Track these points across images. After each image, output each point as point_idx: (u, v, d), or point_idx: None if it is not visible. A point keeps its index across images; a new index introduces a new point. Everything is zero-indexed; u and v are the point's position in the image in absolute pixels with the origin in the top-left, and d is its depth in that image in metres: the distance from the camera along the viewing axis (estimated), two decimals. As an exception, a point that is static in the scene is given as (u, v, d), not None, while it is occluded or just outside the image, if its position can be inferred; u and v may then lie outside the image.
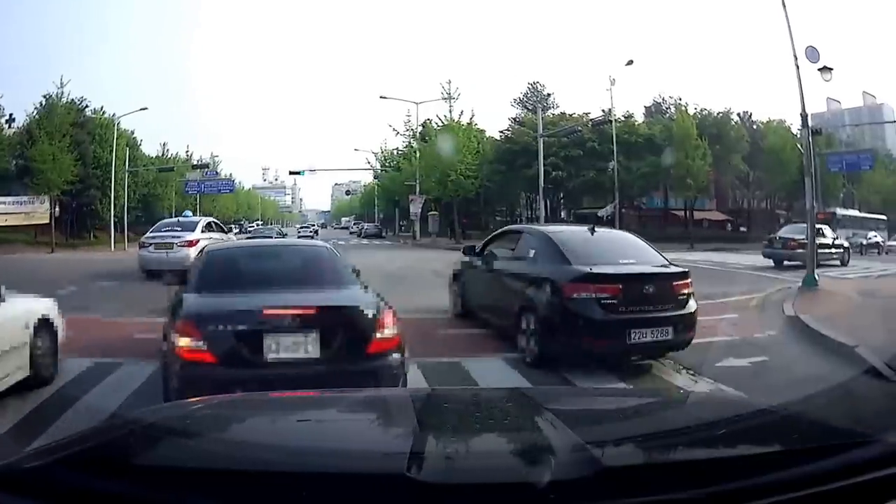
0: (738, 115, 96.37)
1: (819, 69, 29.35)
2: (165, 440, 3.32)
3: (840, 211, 77.57)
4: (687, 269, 15.36)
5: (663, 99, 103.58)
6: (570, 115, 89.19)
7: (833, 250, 46.00)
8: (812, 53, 28.01)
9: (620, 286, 13.94)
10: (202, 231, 36.13)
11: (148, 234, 36.80)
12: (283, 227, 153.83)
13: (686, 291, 14.68)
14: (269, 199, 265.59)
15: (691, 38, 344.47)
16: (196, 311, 10.24)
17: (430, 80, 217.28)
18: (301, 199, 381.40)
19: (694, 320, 14.66)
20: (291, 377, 9.03)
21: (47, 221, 71.19)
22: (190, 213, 60.57)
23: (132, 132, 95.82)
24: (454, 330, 18.32)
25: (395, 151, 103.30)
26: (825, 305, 22.00)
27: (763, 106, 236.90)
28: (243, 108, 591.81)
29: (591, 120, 76.58)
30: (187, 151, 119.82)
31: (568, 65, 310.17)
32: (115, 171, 78.86)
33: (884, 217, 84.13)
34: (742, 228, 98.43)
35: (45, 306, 13.07)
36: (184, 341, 9.57)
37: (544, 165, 70.90)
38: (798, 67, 27.33)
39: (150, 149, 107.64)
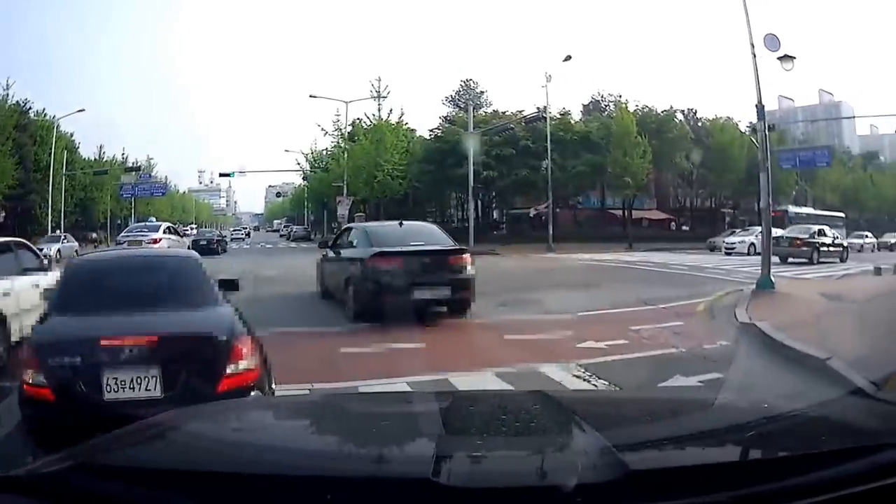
0: (683, 112, 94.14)
1: (779, 58, 26.91)
2: (185, 444, 3.25)
3: (792, 209, 76.41)
4: (464, 247, 22.00)
5: (602, 96, 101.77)
6: (504, 114, 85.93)
7: (832, 248, 50.85)
8: (772, 41, 26.29)
9: (402, 259, 19.42)
10: (164, 232, 44.64)
11: (122, 234, 48.92)
12: (219, 230, 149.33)
13: (461, 264, 20.18)
14: (203, 203, 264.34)
15: (634, 34, 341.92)
16: (39, 338, 9.11)
17: (363, 79, 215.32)
18: (236, 202, 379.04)
19: (469, 284, 20.09)
20: (133, 421, 6.53)
21: None
22: (154, 219, 72.31)
23: (71, 135, 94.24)
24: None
25: (324, 152, 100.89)
26: (784, 311, 19.62)
27: (709, 104, 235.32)
28: (180, 110, 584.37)
29: (524, 117, 74.33)
30: (123, 154, 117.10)
31: (504, 62, 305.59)
32: (54, 175, 77.30)
33: (841, 215, 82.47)
34: (684, 228, 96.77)
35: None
36: (27, 374, 8.43)
37: (475, 165, 69.24)
38: (755, 56, 25.72)
39: (87, 151, 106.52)
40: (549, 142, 69.24)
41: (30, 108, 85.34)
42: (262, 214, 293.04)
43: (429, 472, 2.50)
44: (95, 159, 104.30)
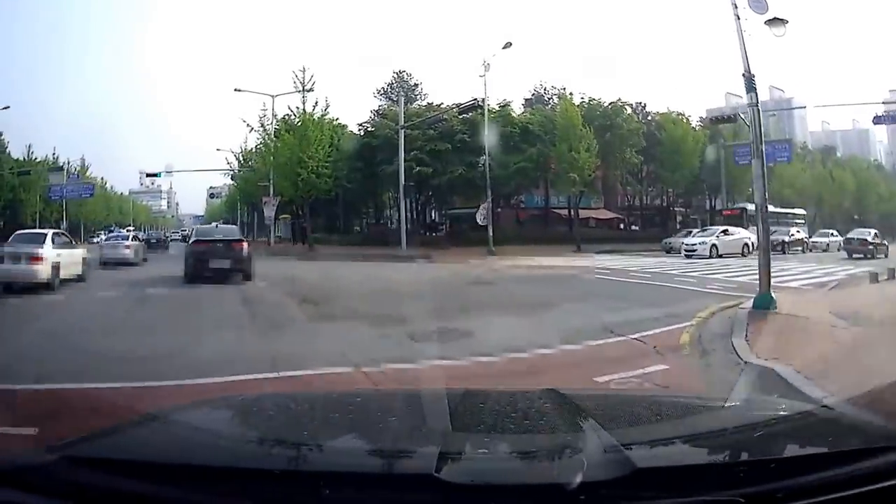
0: (631, 106, 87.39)
1: (767, 21, 21.57)
2: (187, 438, 3.33)
3: (750, 206, 70.09)
4: (241, 238, 36.01)
5: (545, 89, 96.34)
6: (439, 106, 78.40)
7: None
8: (757, 2, 21.45)
9: (205, 245, 33.12)
10: (133, 240, 53.32)
11: (103, 240, 59.27)
12: (164, 231, 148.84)
13: (239, 248, 33.17)
14: (142, 205, 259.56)
15: (577, 24, 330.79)
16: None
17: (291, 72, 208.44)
18: (177, 204, 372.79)
19: (244, 260, 32.37)
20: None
21: None
22: (121, 230, 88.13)
23: (1, 133, 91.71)
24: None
25: (254, 150, 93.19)
26: (798, 342, 14.65)
27: (657, 100, 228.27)
28: (120, 110, 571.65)
29: (457, 106, 67.30)
30: (54, 154, 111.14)
31: (440, 53, 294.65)
32: None
33: (802, 211, 78.84)
34: (634, 228, 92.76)
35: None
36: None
37: (408, 161, 64.38)
38: (738, 18, 21.20)
39: (17, 152, 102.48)
40: (486, 135, 63.45)
41: None
42: (203, 216, 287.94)
43: (433, 468, 2.54)
44: (24, 159, 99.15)
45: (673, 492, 2.52)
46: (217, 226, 53.83)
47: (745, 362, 12.85)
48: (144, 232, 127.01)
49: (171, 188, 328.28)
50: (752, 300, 19.92)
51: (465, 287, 30.20)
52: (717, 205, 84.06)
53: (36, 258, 28.39)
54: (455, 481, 2.48)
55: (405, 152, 63.48)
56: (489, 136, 63.82)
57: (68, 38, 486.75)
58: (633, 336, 15.93)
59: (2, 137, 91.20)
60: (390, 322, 17.87)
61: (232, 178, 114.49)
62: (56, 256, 29.57)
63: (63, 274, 29.70)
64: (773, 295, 19.46)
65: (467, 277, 34.75)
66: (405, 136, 63.77)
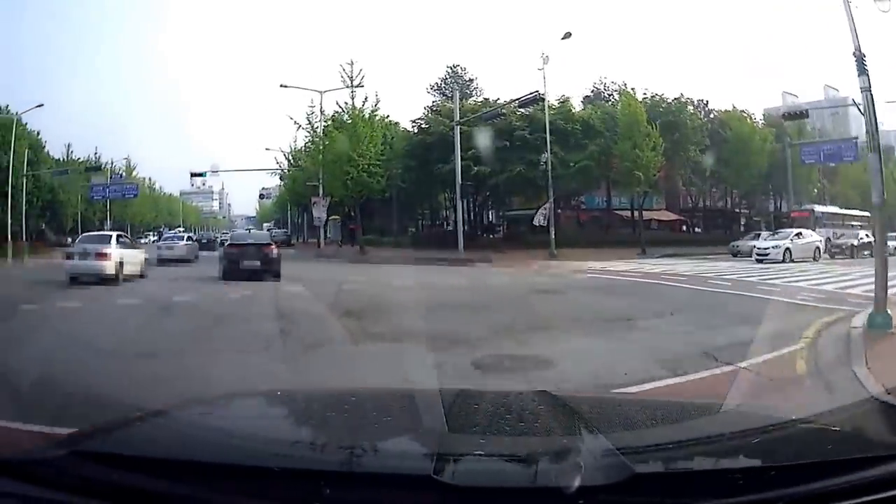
0: (692, 103, 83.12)
1: None
2: (183, 434, 3.40)
3: (819, 208, 68.44)
4: (269, 242, 39.67)
5: (605, 85, 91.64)
6: (495, 102, 74.53)
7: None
8: None
9: (238, 246, 36.62)
10: (186, 240, 59.58)
11: (158, 241, 66.67)
12: (214, 233, 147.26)
13: (268, 250, 36.38)
14: (191, 205, 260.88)
15: (635, 18, 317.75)
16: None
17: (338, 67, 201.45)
18: (229, 205, 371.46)
19: (274, 260, 35.86)
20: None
21: None
22: (171, 230, 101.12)
23: (38, 133, 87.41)
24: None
25: (303, 149, 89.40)
26: None
27: (719, 97, 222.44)
28: (170, 111, 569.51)
29: (517, 100, 62.56)
30: (96, 154, 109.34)
31: (495, 47, 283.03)
32: (11, 175, 71.56)
33: (867, 214, 73.63)
34: (697, 230, 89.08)
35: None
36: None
37: (465, 160, 61.39)
38: None
39: (57, 151, 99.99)
40: (547, 131, 60.31)
41: None
42: (254, 217, 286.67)
43: (431, 470, 2.60)
44: (63, 159, 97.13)
45: (670, 498, 2.57)
46: (250, 231, 64.70)
47: (878, 399, 10.34)
48: (195, 233, 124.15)
49: (222, 189, 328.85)
50: (858, 316, 17.76)
51: (531, 297, 27.32)
52: (782, 206, 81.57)
53: (104, 256, 33.89)
54: (454, 483, 2.53)
55: (462, 150, 60.55)
56: (550, 133, 60.61)
57: (112, 35, 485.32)
58: (742, 364, 13.20)
59: (39, 137, 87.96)
60: (449, 344, 15.59)
61: (281, 179, 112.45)
62: (120, 255, 35.12)
63: (127, 270, 35.26)
64: (889, 312, 16.84)
65: (532, 285, 32.03)
66: (461, 134, 60.87)
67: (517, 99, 61.81)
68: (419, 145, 73.35)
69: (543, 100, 60.09)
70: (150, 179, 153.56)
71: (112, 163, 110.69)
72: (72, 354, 14.81)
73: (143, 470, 2.65)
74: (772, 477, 2.69)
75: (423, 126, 77.43)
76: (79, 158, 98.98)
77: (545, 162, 61.49)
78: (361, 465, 2.94)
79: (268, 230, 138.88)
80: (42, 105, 77.70)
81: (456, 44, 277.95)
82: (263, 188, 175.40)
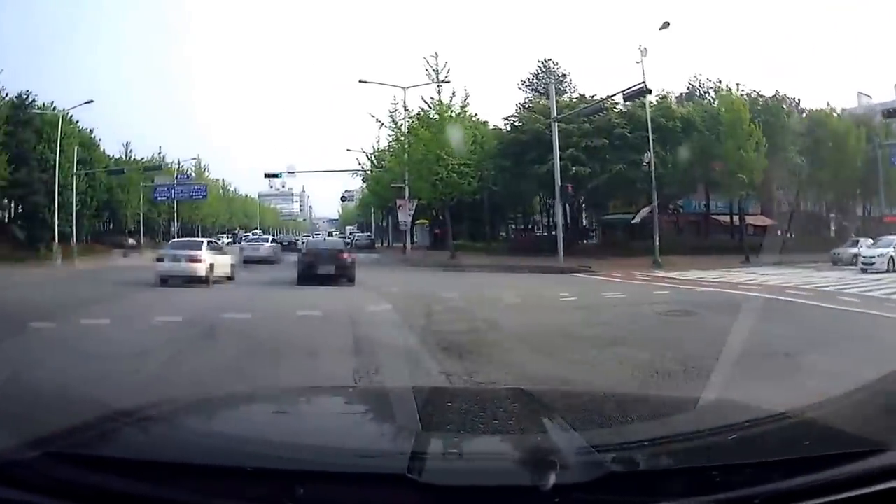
0: (787, 101, 79.67)
1: None
2: (156, 435, 3.48)
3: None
4: (343, 249, 42.72)
5: (700, 82, 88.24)
6: (591, 99, 68.70)
7: None
8: None
9: (313, 254, 39.64)
10: (270, 242, 67.73)
11: (243, 243, 71.30)
12: (296, 235, 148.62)
13: (342, 257, 38.68)
14: (269, 207, 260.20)
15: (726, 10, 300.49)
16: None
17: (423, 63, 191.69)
18: (311, 207, 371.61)
19: (347, 265, 37.81)
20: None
21: None
22: (247, 233, 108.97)
23: (91, 131, 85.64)
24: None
25: (387, 149, 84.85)
26: None
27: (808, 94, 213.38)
28: (247, 110, 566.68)
29: (622, 92, 55.50)
30: (159, 153, 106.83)
31: (587, 40, 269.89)
32: (62, 174, 70.03)
33: None
34: (789, 235, 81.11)
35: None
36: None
37: (562, 160, 56.51)
38: None
39: (113, 150, 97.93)
40: (650, 128, 55.78)
41: (32, 101, 75.48)
42: (336, 220, 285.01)
43: (405, 469, 2.63)
44: (121, 158, 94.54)
45: (645, 496, 2.60)
46: (325, 238, 69.36)
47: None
48: (272, 235, 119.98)
49: (303, 191, 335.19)
50: None
51: (662, 322, 22.47)
52: (871, 211, 78.54)
53: (195, 259, 36.83)
54: (428, 482, 2.56)
55: (559, 149, 55.87)
56: (651, 131, 56.08)
57: (184, 31, 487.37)
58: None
59: (92, 134, 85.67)
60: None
61: (363, 180, 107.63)
62: (211, 260, 37.90)
63: (217, 273, 38.15)
64: None
65: (652, 302, 27.31)
66: (558, 132, 56.17)
67: (622, 91, 54.97)
68: (513, 144, 68.08)
69: (650, 92, 55.32)
70: (223, 181, 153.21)
71: (179, 163, 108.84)
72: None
73: (116, 471, 2.69)
74: (748, 474, 2.71)
75: (515, 124, 72.36)
76: (142, 158, 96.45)
77: (648, 162, 56.60)
78: (336, 464, 2.84)
79: (350, 234, 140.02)
80: (91, 101, 73.73)
81: (545, 37, 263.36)
82: (346, 191, 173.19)
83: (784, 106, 76.27)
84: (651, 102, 61.69)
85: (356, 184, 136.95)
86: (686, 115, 68.56)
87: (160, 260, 37.78)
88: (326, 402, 4.71)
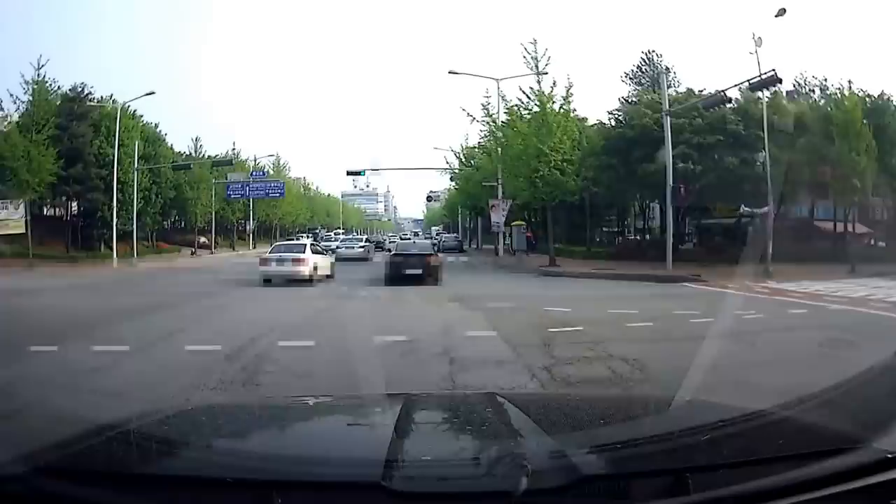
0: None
1: None
2: (140, 448, 3.51)
3: None
4: (432, 252, 44.00)
5: (805, 80, 78.33)
6: (700, 93, 62.21)
7: None
8: None
9: (402, 255, 42.09)
10: (364, 242, 77.45)
11: (340, 243, 79.06)
12: (382, 235, 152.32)
13: (429, 259, 41.05)
14: (353, 207, 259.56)
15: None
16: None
17: (517, 57, 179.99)
18: (395, 207, 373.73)
19: (434, 267, 40.24)
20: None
21: (22, 230, 61.25)
22: (340, 231, 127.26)
23: (156, 125, 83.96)
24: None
25: (477, 146, 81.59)
26: None
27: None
28: (329, 110, 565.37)
29: (749, 81, 47.88)
30: (233, 149, 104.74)
31: (692, 29, 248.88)
32: (117, 169, 67.04)
33: None
34: (881, 244, 76.46)
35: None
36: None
37: (672, 157, 51.50)
38: None
39: (185, 147, 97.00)
40: (766, 124, 50.25)
41: (87, 94, 73.69)
42: (421, 220, 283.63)
43: (379, 476, 2.70)
44: (190, 154, 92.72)
45: (618, 499, 2.71)
46: (414, 241, 64.20)
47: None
48: (354, 234, 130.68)
49: (387, 191, 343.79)
50: None
51: (831, 356, 16.79)
52: None
53: (300, 261, 40.01)
54: (402, 489, 2.63)
55: (670, 145, 50.86)
56: (763, 129, 50.69)
57: (267, 26, 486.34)
58: None
59: (157, 129, 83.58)
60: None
61: (451, 179, 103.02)
62: (313, 260, 41.08)
63: (319, 273, 41.30)
64: None
65: (799, 326, 22.90)
66: (670, 123, 51.11)
67: (748, 80, 48.13)
68: (618, 140, 61.92)
69: (781, 81, 48.20)
70: (304, 179, 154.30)
71: (255, 160, 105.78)
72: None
73: (103, 484, 2.78)
74: (722, 474, 2.79)
75: (620, 118, 66.90)
76: (215, 155, 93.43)
77: (762, 161, 51.89)
78: (313, 473, 2.95)
79: (436, 234, 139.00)
80: (153, 93, 70.86)
81: (645, 26, 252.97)
82: (431, 191, 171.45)
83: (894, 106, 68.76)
84: (759, 98, 55.39)
85: (442, 184, 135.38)
86: (797, 113, 61.46)
87: (265, 262, 40.89)
88: (306, 412, 4.68)
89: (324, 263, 43.62)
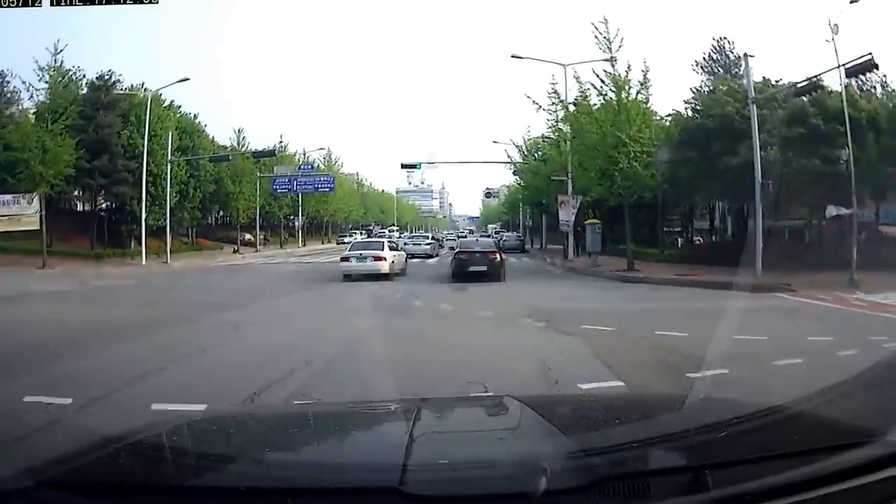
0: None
1: None
2: (149, 458, 3.37)
3: None
4: (495, 249, 44.13)
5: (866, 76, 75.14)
6: (777, 83, 57.41)
7: None
8: None
9: (466, 254, 42.60)
10: (430, 239, 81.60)
11: (408, 239, 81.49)
12: (439, 233, 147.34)
13: (492, 256, 41.67)
14: (407, 203, 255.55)
15: None
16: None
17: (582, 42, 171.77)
18: (450, 204, 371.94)
19: (497, 266, 40.86)
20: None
21: (36, 226, 57.33)
22: (395, 228, 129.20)
23: (195, 116, 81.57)
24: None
25: (542, 138, 76.19)
26: None
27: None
28: (384, 103, 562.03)
29: (844, 65, 42.21)
30: (280, 142, 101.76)
31: (759, 18, 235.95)
32: (146, 160, 63.10)
33: None
34: None
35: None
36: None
37: (735, 151, 47.63)
38: None
39: (226, 139, 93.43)
40: (847, 118, 44.33)
41: (115, 81, 70.11)
42: (477, 218, 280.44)
43: (397, 481, 2.65)
44: (232, 146, 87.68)
45: (638, 498, 2.64)
46: (477, 239, 63.32)
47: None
48: (411, 232, 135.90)
49: (442, 188, 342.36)
50: None
51: None
52: None
53: (380, 258, 42.20)
54: (419, 493, 2.59)
55: (749, 138, 45.25)
56: (840, 124, 45.41)
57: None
58: None
59: (195, 119, 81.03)
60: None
61: (514, 173, 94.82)
62: (391, 257, 43.34)
63: (395, 269, 43.69)
64: None
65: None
66: (746, 119, 46.10)
67: (843, 65, 42.52)
68: (698, 131, 54.70)
69: (877, 67, 42.88)
70: (357, 174, 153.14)
71: (304, 153, 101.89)
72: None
73: (109, 497, 2.71)
74: (738, 471, 2.75)
75: (697, 108, 60.56)
76: (262, 149, 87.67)
77: (845, 159, 45.76)
78: (328, 479, 2.89)
79: (495, 233, 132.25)
80: (187, 79, 64.54)
81: (713, 14, 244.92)
82: (487, 188, 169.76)
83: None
84: (829, 90, 50.75)
85: (500, 180, 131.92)
86: (868, 109, 55.93)
87: (346, 259, 43.05)
88: (318, 419, 4.56)
89: (399, 260, 46.36)
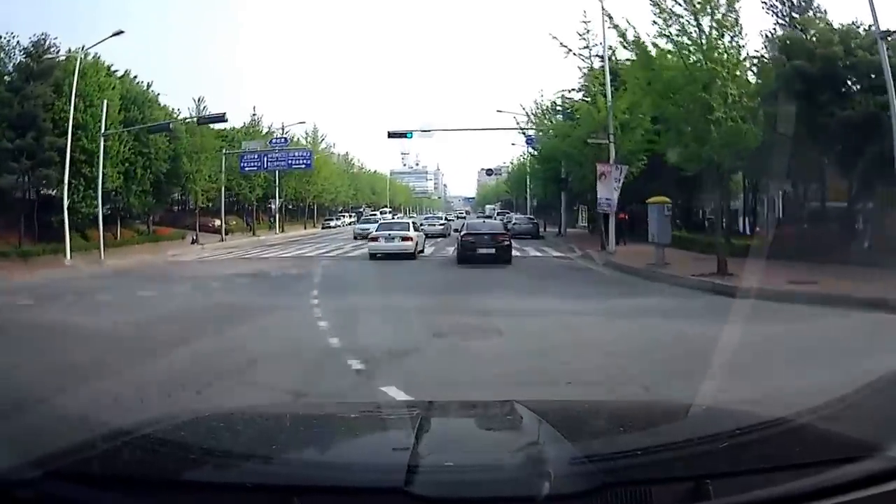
0: None
1: None
2: (155, 452, 3.41)
3: None
4: (503, 231, 43.42)
5: None
6: (861, 27, 41.94)
7: None
8: None
9: (473, 236, 41.07)
10: (444, 220, 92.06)
11: (423, 220, 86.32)
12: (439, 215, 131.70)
13: (500, 238, 40.73)
14: (401, 185, 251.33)
15: None
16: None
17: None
18: (445, 185, 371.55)
19: (506, 248, 40.30)
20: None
21: None
22: (387, 210, 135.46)
23: (148, 85, 69.05)
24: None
25: (560, 101, 64.71)
26: None
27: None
28: (375, 78, 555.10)
29: None
30: (253, 115, 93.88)
31: None
32: (70, 135, 51.04)
33: None
34: None
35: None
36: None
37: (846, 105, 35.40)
38: None
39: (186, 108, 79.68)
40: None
41: (50, 47, 58.31)
42: (472, 199, 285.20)
43: (402, 482, 2.67)
44: (190, 116, 73.54)
45: None
46: (484, 221, 57.53)
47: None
48: (403, 213, 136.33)
49: (437, 169, 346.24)
50: None
51: None
52: None
53: (408, 238, 45.37)
54: (424, 495, 2.61)
55: (860, 87, 34.76)
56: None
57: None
58: None
59: (148, 89, 69.05)
60: None
61: (527, 141, 79.90)
62: (417, 237, 47.05)
63: (419, 248, 47.41)
64: None
65: None
66: (849, 67, 36.21)
67: None
68: (796, 78, 39.02)
69: None
70: (347, 154, 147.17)
71: (283, 128, 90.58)
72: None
73: (116, 489, 2.76)
74: (740, 481, 2.78)
75: (787, 50, 43.21)
76: (211, 114, 71.37)
77: None
78: (333, 478, 2.91)
79: (497, 214, 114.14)
80: (122, 32, 52.01)
81: None
82: (482, 168, 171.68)
83: None
84: None
85: (498, 159, 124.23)
86: None
87: (374, 239, 46.41)
88: (325, 419, 4.62)
89: (420, 240, 49.11)
